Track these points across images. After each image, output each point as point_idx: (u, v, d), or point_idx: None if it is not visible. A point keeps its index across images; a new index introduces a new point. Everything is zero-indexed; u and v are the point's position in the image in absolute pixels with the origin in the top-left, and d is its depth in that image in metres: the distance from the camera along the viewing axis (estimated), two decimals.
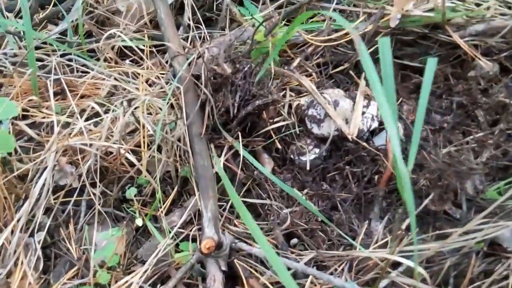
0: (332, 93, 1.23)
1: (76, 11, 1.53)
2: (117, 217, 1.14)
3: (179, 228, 1.07)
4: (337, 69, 1.37)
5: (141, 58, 1.40)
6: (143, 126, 1.13)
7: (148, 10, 1.52)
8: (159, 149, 1.15)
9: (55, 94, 1.27)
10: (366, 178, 1.17)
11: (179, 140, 1.17)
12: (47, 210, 1.11)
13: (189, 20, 1.49)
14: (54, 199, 1.11)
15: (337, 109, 1.19)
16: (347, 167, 1.19)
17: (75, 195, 1.12)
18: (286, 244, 1.04)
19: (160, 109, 1.17)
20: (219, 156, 1.17)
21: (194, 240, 1.07)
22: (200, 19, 1.48)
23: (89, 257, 1.03)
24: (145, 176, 1.12)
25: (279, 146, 1.22)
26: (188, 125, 1.17)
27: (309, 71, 1.33)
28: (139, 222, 1.09)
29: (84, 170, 1.09)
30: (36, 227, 1.07)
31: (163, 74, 1.34)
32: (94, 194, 1.10)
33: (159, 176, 1.13)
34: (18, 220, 1.05)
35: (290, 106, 1.27)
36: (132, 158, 1.11)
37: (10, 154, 1.14)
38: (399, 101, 1.32)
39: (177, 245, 1.06)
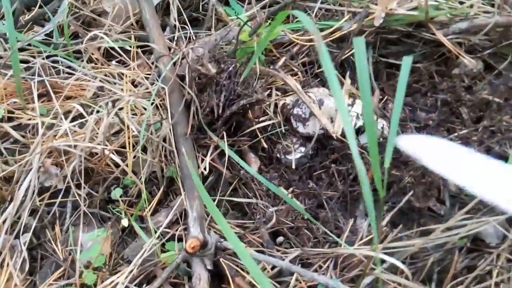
0: (317, 92, 1.24)
1: (62, 12, 1.52)
2: (103, 218, 1.14)
3: (165, 228, 1.08)
4: (323, 68, 1.37)
5: (128, 59, 1.40)
6: (128, 127, 1.14)
7: (134, 11, 1.52)
8: (144, 149, 1.16)
9: (40, 96, 1.27)
10: (352, 176, 1.17)
11: (164, 140, 1.17)
12: (33, 212, 1.11)
13: (175, 20, 1.49)
14: (39, 201, 1.11)
15: (322, 108, 1.20)
16: (333, 165, 1.20)
17: (61, 196, 1.12)
18: (271, 242, 1.05)
19: (145, 109, 1.17)
20: (205, 156, 1.18)
21: (180, 239, 1.07)
22: (186, 19, 1.48)
23: (75, 258, 1.03)
24: (131, 177, 1.12)
25: (265, 145, 1.22)
26: (173, 125, 1.18)
27: (294, 70, 1.33)
28: (125, 222, 1.09)
29: (69, 171, 1.09)
30: (22, 228, 1.06)
31: (149, 74, 1.34)
32: (79, 195, 1.10)
33: (144, 177, 1.13)
34: (3, 222, 1.05)
35: (276, 105, 1.27)
36: (117, 159, 1.11)
37: None
38: (385, 99, 1.32)
39: (163, 245, 1.06)
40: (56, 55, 1.38)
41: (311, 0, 1.47)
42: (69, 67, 1.37)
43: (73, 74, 1.33)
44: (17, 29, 1.44)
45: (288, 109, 1.23)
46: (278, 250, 1.04)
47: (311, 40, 1.34)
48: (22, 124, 1.24)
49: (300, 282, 0.97)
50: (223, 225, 0.60)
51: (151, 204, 1.12)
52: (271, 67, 1.30)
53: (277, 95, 1.29)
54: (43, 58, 1.35)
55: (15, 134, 1.17)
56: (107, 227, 1.08)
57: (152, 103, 1.17)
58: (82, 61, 1.36)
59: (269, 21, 1.36)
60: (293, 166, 1.19)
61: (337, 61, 1.35)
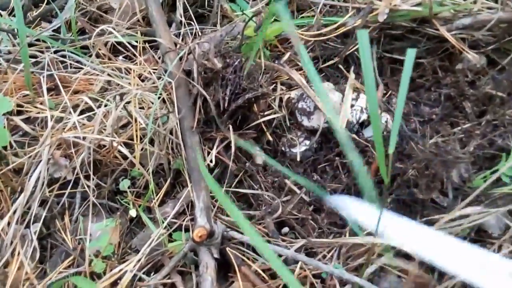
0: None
1: (69, 8, 1.55)
2: (111, 209, 1.16)
3: (172, 218, 1.09)
4: (327, 63, 1.39)
5: (134, 55, 1.42)
6: (135, 120, 1.16)
7: (140, 7, 1.54)
8: (152, 142, 1.18)
9: (49, 90, 1.29)
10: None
11: (171, 133, 1.19)
12: (43, 202, 1.13)
13: (181, 16, 1.51)
14: (49, 192, 1.13)
15: None
16: (337, 158, 1.21)
17: (70, 187, 1.14)
18: (276, 232, 1.07)
19: (152, 103, 1.19)
20: (211, 149, 1.20)
21: (187, 230, 1.09)
22: (192, 15, 1.50)
23: (84, 247, 1.05)
24: (138, 169, 1.14)
25: (270, 139, 1.24)
26: (180, 119, 1.20)
27: (299, 65, 1.35)
28: (132, 213, 1.11)
29: (78, 163, 1.11)
30: (32, 218, 1.08)
31: (155, 69, 1.36)
32: (88, 186, 1.12)
33: (152, 169, 1.15)
34: (14, 212, 1.07)
35: (280, 99, 1.29)
36: (125, 151, 1.13)
37: (5, 148, 1.15)
38: (389, 94, 1.34)
39: (170, 235, 1.08)
40: (64, 50, 1.40)
41: None
42: (77, 62, 1.39)
43: (81, 69, 1.35)
44: (25, 25, 1.46)
45: (293, 103, 1.25)
46: (283, 240, 1.06)
47: (315, 36, 1.36)
48: (31, 118, 1.27)
49: (305, 271, 0.98)
50: (232, 210, 0.62)
51: (158, 195, 1.14)
52: (276, 62, 1.32)
53: (282, 89, 1.31)
54: (52, 53, 1.37)
55: (25, 126, 1.19)
56: (115, 217, 1.10)
57: (159, 97, 1.19)
58: (90, 56, 1.38)
59: (273, 17, 1.39)
60: (298, 159, 1.21)
61: (340, 56, 1.37)
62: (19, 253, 1.05)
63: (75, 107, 1.22)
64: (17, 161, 1.15)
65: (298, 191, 1.17)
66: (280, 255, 0.98)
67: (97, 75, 1.31)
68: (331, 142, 1.24)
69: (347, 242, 1.00)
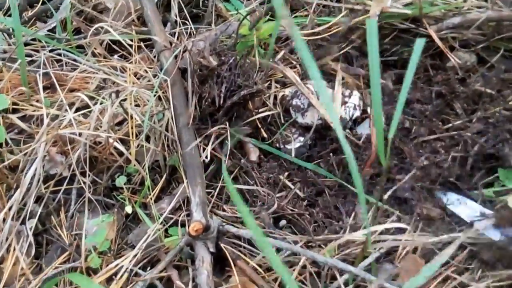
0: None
1: (65, 8, 1.55)
2: (107, 205, 1.16)
3: (168, 214, 1.10)
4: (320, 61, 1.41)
5: (129, 53, 1.43)
6: (131, 117, 1.16)
7: (135, 7, 1.55)
8: (147, 139, 1.18)
9: (45, 88, 1.30)
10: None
11: (166, 130, 1.20)
12: (38, 199, 1.13)
13: (176, 16, 1.53)
14: (44, 188, 1.13)
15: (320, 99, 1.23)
16: (331, 154, 1.23)
17: (66, 183, 1.14)
18: (272, 225, 1.08)
19: (148, 101, 1.21)
20: (206, 145, 1.21)
21: (183, 225, 1.10)
22: (187, 15, 1.52)
23: (80, 243, 1.05)
24: (134, 165, 1.15)
25: (265, 135, 1.25)
26: (176, 115, 1.21)
27: (293, 63, 1.37)
28: (128, 209, 1.12)
29: (74, 159, 1.12)
30: (28, 215, 1.09)
31: (151, 68, 1.37)
32: (84, 182, 1.12)
33: (147, 165, 1.15)
34: (9, 209, 1.07)
35: (275, 97, 1.30)
36: (121, 147, 1.14)
37: (1, 145, 1.16)
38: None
39: (166, 230, 1.09)
40: (59, 49, 1.41)
41: None
42: (72, 61, 1.40)
43: (77, 68, 1.36)
44: (20, 24, 1.47)
45: (287, 100, 1.27)
46: (280, 234, 1.07)
47: (309, 35, 1.38)
48: (27, 115, 1.27)
49: (305, 267, 0.99)
50: (240, 205, 0.62)
51: (154, 191, 1.15)
52: (271, 60, 1.33)
53: (277, 87, 1.33)
54: (47, 52, 1.37)
55: (21, 124, 1.20)
56: (111, 213, 1.11)
57: (155, 95, 1.20)
58: (86, 54, 1.39)
59: (267, 16, 1.41)
60: (293, 155, 1.22)
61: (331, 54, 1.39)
62: (14, 249, 1.05)
63: (71, 104, 1.23)
64: (12, 158, 1.15)
65: (292, 187, 1.18)
66: (278, 248, 0.99)
67: (93, 73, 1.32)
68: (325, 139, 1.25)
69: (342, 238, 1.01)
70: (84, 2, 1.60)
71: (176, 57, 1.27)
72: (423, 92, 1.34)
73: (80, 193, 1.16)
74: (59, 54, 1.41)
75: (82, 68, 1.34)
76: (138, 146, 1.16)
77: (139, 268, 1.03)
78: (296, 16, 1.46)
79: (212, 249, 1.02)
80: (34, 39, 1.45)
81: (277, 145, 1.25)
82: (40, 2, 1.64)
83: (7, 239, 1.05)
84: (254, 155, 1.24)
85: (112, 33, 1.31)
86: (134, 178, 1.17)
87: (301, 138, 1.24)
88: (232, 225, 1.08)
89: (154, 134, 1.19)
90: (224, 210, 1.13)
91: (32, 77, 1.30)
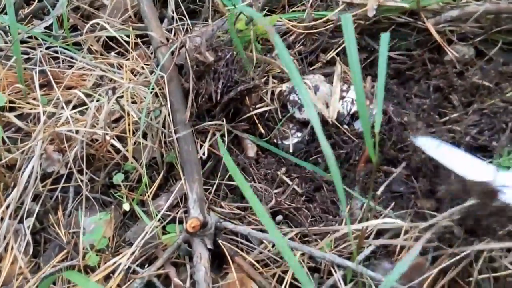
0: (313, 79, 1.27)
1: (61, 5, 1.55)
2: (105, 202, 1.16)
3: (165, 211, 1.10)
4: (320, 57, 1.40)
5: (126, 50, 1.42)
6: (128, 114, 1.16)
7: (132, 3, 1.54)
8: (144, 136, 1.18)
9: (41, 86, 1.29)
10: (352, 160, 1.20)
11: (163, 126, 1.19)
12: (36, 197, 1.13)
13: (173, 12, 1.52)
14: (42, 186, 1.13)
15: (318, 94, 1.23)
16: None
17: (63, 181, 1.14)
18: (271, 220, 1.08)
19: (145, 97, 1.20)
20: (203, 142, 1.21)
21: (180, 222, 1.10)
22: (184, 11, 1.51)
23: (78, 241, 1.05)
24: (131, 162, 1.15)
25: (263, 131, 1.25)
26: (173, 112, 1.20)
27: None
28: (126, 206, 1.11)
29: (71, 157, 1.11)
30: (25, 213, 1.09)
31: (147, 65, 1.36)
32: (81, 180, 1.12)
33: (145, 162, 1.15)
34: (7, 207, 1.07)
35: (272, 92, 1.30)
36: (118, 144, 1.14)
37: None
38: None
39: (164, 227, 1.08)
40: (56, 46, 1.41)
41: None
42: (69, 58, 1.39)
43: (73, 65, 1.35)
44: (16, 22, 1.47)
45: (284, 95, 1.26)
46: (278, 229, 1.07)
47: (306, 29, 1.37)
48: (24, 114, 1.27)
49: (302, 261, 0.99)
50: (253, 200, 0.62)
51: (151, 189, 1.15)
52: (268, 55, 1.33)
53: (274, 82, 1.32)
54: (44, 50, 1.37)
55: (17, 122, 1.20)
56: (109, 211, 1.10)
57: (152, 92, 1.20)
58: (82, 51, 1.38)
59: (264, 11, 1.40)
60: (290, 151, 1.22)
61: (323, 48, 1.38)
62: (12, 248, 1.05)
63: (67, 102, 1.23)
64: (9, 157, 1.15)
65: (290, 183, 1.18)
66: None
67: (90, 70, 1.32)
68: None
69: (339, 231, 1.01)
70: None
71: (173, 53, 1.27)
72: (421, 86, 1.34)
73: (77, 191, 1.16)
74: (56, 52, 1.40)
75: (78, 65, 1.34)
76: (135, 143, 1.16)
77: (137, 266, 1.03)
78: (294, 11, 1.45)
79: (209, 246, 1.02)
80: (30, 37, 1.45)
81: (275, 140, 1.25)
82: (37, 0, 1.63)
83: (4, 237, 1.05)
84: (251, 151, 1.23)
85: (109, 29, 1.30)
86: (132, 175, 1.17)
87: (299, 134, 1.24)
88: (230, 221, 1.07)
89: (151, 131, 1.18)
90: (221, 207, 1.13)
91: (29, 75, 1.30)
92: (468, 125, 1.19)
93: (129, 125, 1.17)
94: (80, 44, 1.46)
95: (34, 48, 1.41)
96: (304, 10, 1.42)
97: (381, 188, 1.02)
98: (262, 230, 1.03)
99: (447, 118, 1.24)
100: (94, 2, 1.60)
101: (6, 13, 1.43)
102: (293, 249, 0.96)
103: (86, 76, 1.34)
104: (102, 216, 1.09)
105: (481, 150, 1.17)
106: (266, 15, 1.41)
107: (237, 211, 1.11)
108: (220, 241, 1.05)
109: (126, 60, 1.38)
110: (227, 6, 1.45)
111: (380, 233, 1.04)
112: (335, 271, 0.93)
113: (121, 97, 1.20)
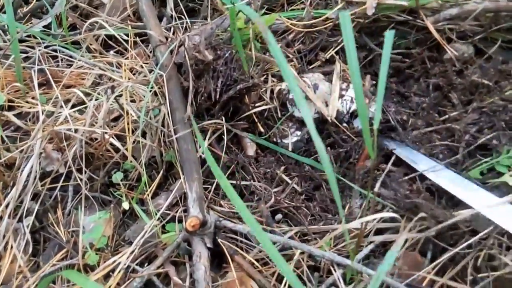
0: (312, 77, 1.27)
1: (60, 4, 1.54)
2: (104, 201, 1.16)
3: (165, 210, 1.10)
4: (319, 55, 1.40)
5: (125, 49, 1.42)
6: (127, 113, 1.16)
7: (131, 2, 1.54)
8: (144, 135, 1.18)
9: (40, 85, 1.29)
10: (352, 158, 1.20)
11: (163, 125, 1.19)
12: (35, 196, 1.13)
13: (172, 11, 1.52)
14: (41, 185, 1.13)
15: (317, 92, 1.23)
16: (328, 148, 1.22)
17: (62, 180, 1.14)
18: (271, 217, 1.08)
19: (144, 96, 1.20)
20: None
21: (180, 221, 1.10)
22: (183, 10, 1.51)
23: (77, 240, 1.05)
24: (131, 161, 1.14)
25: (262, 130, 1.25)
26: (172, 111, 1.20)
27: (290, 57, 1.36)
28: (125, 205, 1.11)
29: (70, 156, 1.11)
30: (24, 212, 1.09)
31: (146, 63, 1.36)
32: (80, 179, 1.12)
33: (144, 161, 1.15)
34: (6, 206, 1.07)
35: (272, 91, 1.30)
36: (117, 143, 1.14)
37: None
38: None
39: (163, 226, 1.08)
40: (54, 45, 1.40)
41: None
42: (68, 57, 1.39)
43: (72, 64, 1.35)
44: (15, 21, 1.46)
45: (284, 94, 1.26)
46: (278, 227, 1.07)
47: (306, 27, 1.37)
48: (23, 113, 1.27)
49: (302, 260, 0.99)
50: (235, 199, 0.62)
51: (151, 188, 1.15)
52: (267, 53, 1.32)
53: (273, 81, 1.32)
54: (42, 48, 1.37)
55: (17, 121, 1.19)
56: (108, 209, 1.10)
57: (151, 90, 1.20)
58: (81, 50, 1.38)
59: (263, 10, 1.40)
60: (290, 149, 1.22)
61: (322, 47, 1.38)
62: (12, 247, 1.05)
63: (66, 101, 1.23)
64: (8, 156, 1.15)
65: (289, 182, 1.18)
66: (274, 242, 0.98)
67: (89, 69, 1.31)
68: (322, 133, 1.25)
69: (338, 230, 1.01)
70: None
71: (172, 52, 1.27)
72: (420, 84, 1.34)
73: (76, 190, 1.15)
74: (55, 50, 1.40)
75: (77, 64, 1.34)
76: (134, 142, 1.16)
77: (137, 265, 1.03)
78: (293, 9, 1.45)
79: (209, 245, 1.02)
80: (29, 36, 1.44)
81: (274, 139, 1.24)
82: None
83: (4, 236, 1.05)
84: (251, 150, 1.23)
85: (107, 28, 1.30)
86: (131, 174, 1.17)
87: (298, 132, 1.23)
88: (229, 220, 1.07)
89: (150, 130, 1.18)
90: (221, 206, 1.13)
91: (27, 74, 1.29)
92: (467, 124, 1.19)
93: (128, 124, 1.16)
94: (79, 43, 1.45)
95: (32, 47, 1.40)
96: (303, 9, 1.42)
97: (378, 184, 1.02)
98: (263, 228, 1.02)
99: (447, 116, 1.24)
100: (93, 1, 1.60)
101: (4, 12, 1.43)
102: (292, 248, 0.96)
103: (85, 75, 1.34)
104: (102, 215, 1.09)
105: (480, 149, 1.17)
106: (265, 13, 1.41)
107: (236, 210, 1.11)
108: (219, 240, 1.05)
109: (125, 58, 1.38)
110: (226, 5, 1.45)
111: (379, 232, 1.04)
112: (334, 270, 0.93)
113: (120, 96, 1.19)
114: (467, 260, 0.97)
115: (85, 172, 1.13)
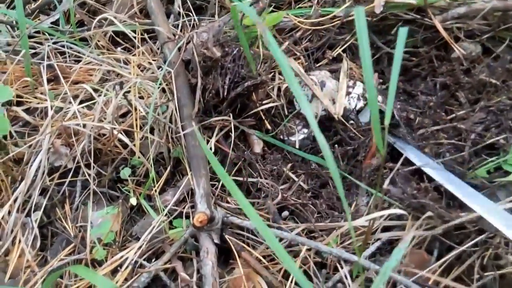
0: (319, 75, 1.27)
1: (68, 1, 1.55)
2: (112, 197, 1.17)
3: (172, 206, 1.10)
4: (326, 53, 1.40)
5: (133, 46, 1.43)
6: (135, 109, 1.16)
7: None
8: (152, 131, 1.18)
9: (49, 80, 1.30)
10: (359, 156, 1.20)
11: (170, 121, 1.20)
12: (43, 191, 1.14)
13: (179, 8, 1.52)
14: (49, 180, 1.14)
15: (324, 90, 1.23)
16: (336, 146, 1.23)
17: (70, 176, 1.15)
18: (278, 214, 1.08)
19: (152, 92, 1.20)
20: (210, 137, 1.21)
21: (187, 217, 1.10)
22: (191, 6, 1.51)
23: (85, 235, 1.05)
24: (139, 157, 1.15)
25: (269, 127, 1.25)
26: (180, 107, 1.21)
27: (297, 55, 1.36)
28: (133, 201, 1.12)
29: (78, 151, 1.12)
30: (33, 207, 1.09)
31: (154, 60, 1.37)
32: (89, 174, 1.13)
33: (152, 157, 1.15)
34: (14, 201, 1.08)
35: (279, 88, 1.30)
36: (125, 139, 1.14)
37: (5, 138, 1.16)
38: (386, 85, 1.35)
39: (170, 222, 1.09)
40: (63, 41, 1.41)
41: None
42: (76, 53, 1.40)
43: (80, 60, 1.36)
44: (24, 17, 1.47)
45: (291, 91, 1.26)
46: (284, 224, 1.07)
47: (313, 25, 1.37)
48: (32, 108, 1.27)
49: (308, 257, 0.99)
50: (238, 195, 0.63)
51: (158, 183, 1.15)
52: None
53: (280, 78, 1.32)
54: (51, 44, 1.37)
55: (25, 116, 1.20)
56: (116, 205, 1.11)
57: (159, 87, 1.20)
58: (90, 47, 1.39)
59: (271, 7, 1.40)
60: (297, 147, 1.22)
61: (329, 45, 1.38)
62: (20, 241, 1.06)
63: (75, 97, 1.23)
64: (17, 151, 1.15)
65: (296, 179, 1.18)
66: (281, 239, 0.99)
67: (97, 65, 1.32)
68: (330, 130, 1.25)
69: (345, 228, 1.01)
70: None
71: (179, 48, 1.27)
72: (428, 83, 1.34)
73: (84, 185, 1.16)
74: (63, 46, 1.41)
75: (86, 60, 1.34)
76: (142, 138, 1.16)
77: (144, 260, 1.03)
78: (300, 7, 1.45)
79: (216, 240, 1.02)
80: (37, 32, 1.45)
81: (281, 137, 1.25)
82: None
83: (12, 231, 1.06)
84: (258, 147, 1.24)
85: (116, 24, 1.30)
86: (139, 170, 1.18)
87: (305, 130, 1.24)
88: (236, 216, 1.08)
89: (158, 126, 1.19)
90: (227, 202, 1.13)
91: (36, 69, 1.30)
92: (474, 123, 1.19)
93: (136, 120, 1.17)
94: (86, 40, 1.46)
95: (41, 43, 1.41)
96: (310, 6, 1.42)
97: (386, 182, 1.02)
98: (268, 225, 1.03)
99: (454, 115, 1.24)
100: None
101: (12, 8, 1.44)
102: (299, 244, 0.97)
103: (93, 71, 1.35)
104: (109, 210, 1.09)
105: (487, 148, 1.17)
106: (272, 11, 1.41)
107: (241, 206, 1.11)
108: (226, 236, 1.05)
109: (133, 55, 1.38)
110: (233, 2, 1.45)
111: (386, 230, 1.04)
112: (341, 267, 0.94)
113: (129, 92, 1.20)
114: (473, 258, 0.97)
115: (93, 167, 1.14)
